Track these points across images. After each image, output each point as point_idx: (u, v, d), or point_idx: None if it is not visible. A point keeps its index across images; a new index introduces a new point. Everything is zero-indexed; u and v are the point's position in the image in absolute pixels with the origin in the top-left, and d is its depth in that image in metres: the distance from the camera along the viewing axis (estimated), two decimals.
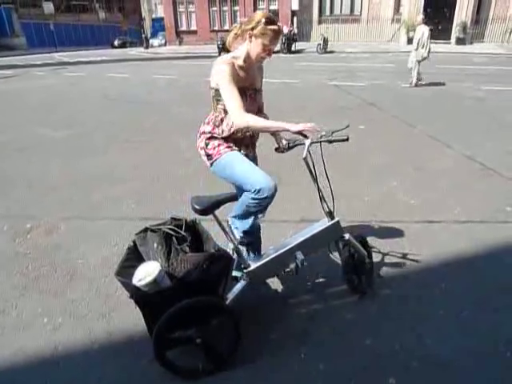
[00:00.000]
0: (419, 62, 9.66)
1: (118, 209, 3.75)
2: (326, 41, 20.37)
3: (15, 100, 9.67)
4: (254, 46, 2.00)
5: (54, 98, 9.93)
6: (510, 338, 2.10)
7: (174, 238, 2.01)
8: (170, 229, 2.04)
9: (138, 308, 1.82)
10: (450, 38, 22.42)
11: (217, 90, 2.02)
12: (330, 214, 2.19)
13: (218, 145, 2.10)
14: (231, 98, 1.95)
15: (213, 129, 2.11)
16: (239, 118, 1.92)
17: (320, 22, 25.67)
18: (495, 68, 13.29)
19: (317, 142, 2.01)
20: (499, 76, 11.49)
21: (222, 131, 2.10)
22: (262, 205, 2.04)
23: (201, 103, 8.40)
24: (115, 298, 2.52)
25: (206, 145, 2.12)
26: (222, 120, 2.09)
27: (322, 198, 2.16)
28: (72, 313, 2.42)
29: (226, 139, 2.11)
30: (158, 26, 37.85)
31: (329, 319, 2.27)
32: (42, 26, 35.79)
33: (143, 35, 28.65)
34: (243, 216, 2.18)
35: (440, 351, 2.02)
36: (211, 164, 2.14)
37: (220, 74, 1.97)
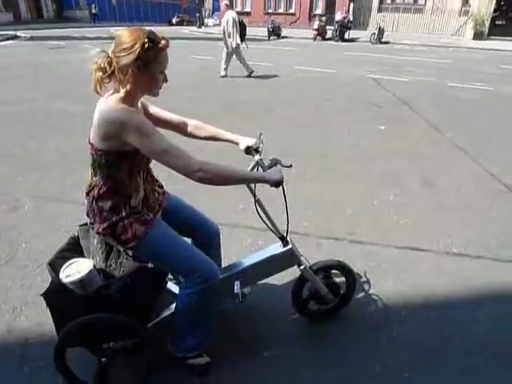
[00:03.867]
0: (229, 54, 8.83)
1: None
2: (381, 30, 19.12)
3: (50, 72, 9.91)
4: (146, 79, 1.40)
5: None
6: None
7: None
8: None
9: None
10: None
11: (109, 153, 1.41)
12: (283, 240, 1.85)
13: (131, 224, 1.52)
14: (166, 148, 1.37)
15: (116, 205, 1.51)
16: (196, 173, 1.38)
17: (380, 10, 24.23)
18: None
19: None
20: None
21: (133, 207, 1.54)
22: (211, 295, 1.65)
23: (219, 91, 8.08)
24: (36, 291, 2.36)
25: (113, 229, 1.52)
26: (125, 188, 1.51)
27: (271, 223, 1.80)
28: None
29: (138, 211, 1.57)
30: (217, 5, 37.76)
31: (237, 362, 1.95)
32: (105, 0, 36.94)
33: (197, 14, 28.61)
34: (192, 325, 1.71)
35: None
36: (128, 248, 1.59)
37: (126, 126, 1.33)
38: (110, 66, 1.36)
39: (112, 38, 1.41)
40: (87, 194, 1.57)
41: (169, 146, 1.38)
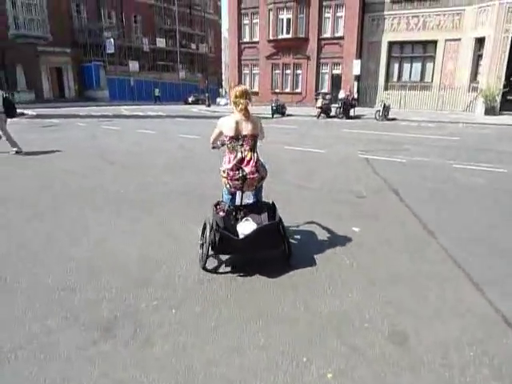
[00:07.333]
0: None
1: None
2: (386, 107, 18.61)
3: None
4: None
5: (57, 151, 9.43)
6: None
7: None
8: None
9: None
10: None
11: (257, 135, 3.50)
12: None
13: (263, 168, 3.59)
14: None
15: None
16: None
17: (386, 88, 24.14)
18: None
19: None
20: None
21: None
22: None
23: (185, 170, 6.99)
24: None
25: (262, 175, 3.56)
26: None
27: None
28: None
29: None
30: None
31: None
32: (125, 81, 39.09)
33: (206, 94, 29.67)
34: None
35: None
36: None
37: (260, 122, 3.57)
38: (248, 104, 3.38)
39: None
40: (255, 163, 3.41)
41: None
